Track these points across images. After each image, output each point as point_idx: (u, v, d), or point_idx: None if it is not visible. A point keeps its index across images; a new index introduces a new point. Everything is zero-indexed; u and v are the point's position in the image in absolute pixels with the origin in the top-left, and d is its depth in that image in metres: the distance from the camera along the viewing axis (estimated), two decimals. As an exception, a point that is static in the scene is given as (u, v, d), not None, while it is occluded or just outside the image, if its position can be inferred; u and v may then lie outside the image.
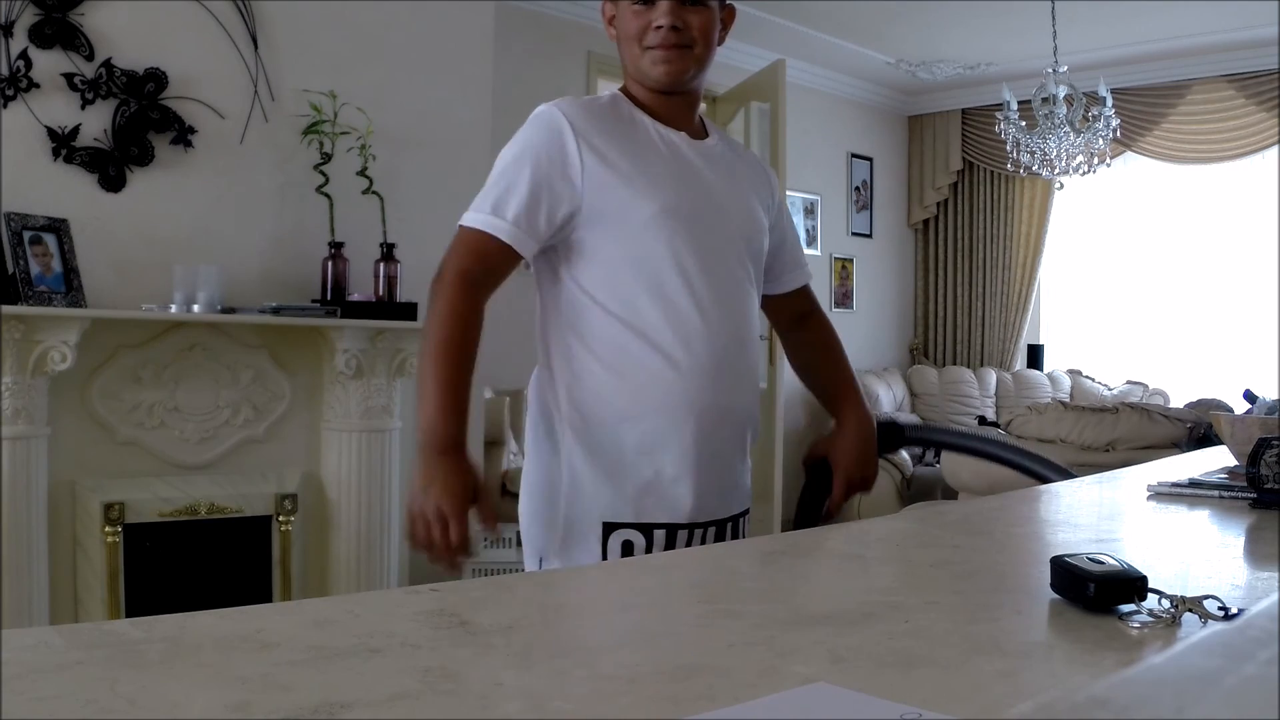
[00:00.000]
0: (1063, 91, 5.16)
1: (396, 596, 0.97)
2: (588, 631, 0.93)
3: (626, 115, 1.57)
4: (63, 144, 3.26)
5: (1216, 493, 1.53)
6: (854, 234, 7.28)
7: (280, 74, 3.67)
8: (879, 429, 1.76)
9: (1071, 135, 5.21)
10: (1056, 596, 0.91)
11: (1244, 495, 1.49)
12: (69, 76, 3.28)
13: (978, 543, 1.27)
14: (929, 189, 7.64)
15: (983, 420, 6.04)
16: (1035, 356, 7.20)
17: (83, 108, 3.30)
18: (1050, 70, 5.20)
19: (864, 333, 7.35)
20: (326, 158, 3.66)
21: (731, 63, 5.77)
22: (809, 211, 6.90)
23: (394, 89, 3.93)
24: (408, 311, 3.74)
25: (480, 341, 1.49)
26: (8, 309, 3.00)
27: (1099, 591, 0.86)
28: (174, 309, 3.32)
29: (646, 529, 1.51)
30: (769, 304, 1.76)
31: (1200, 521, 1.41)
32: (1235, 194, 6.47)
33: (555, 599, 1.03)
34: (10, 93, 3.18)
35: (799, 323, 1.82)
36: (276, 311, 3.47)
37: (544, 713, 0.65)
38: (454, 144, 4.12)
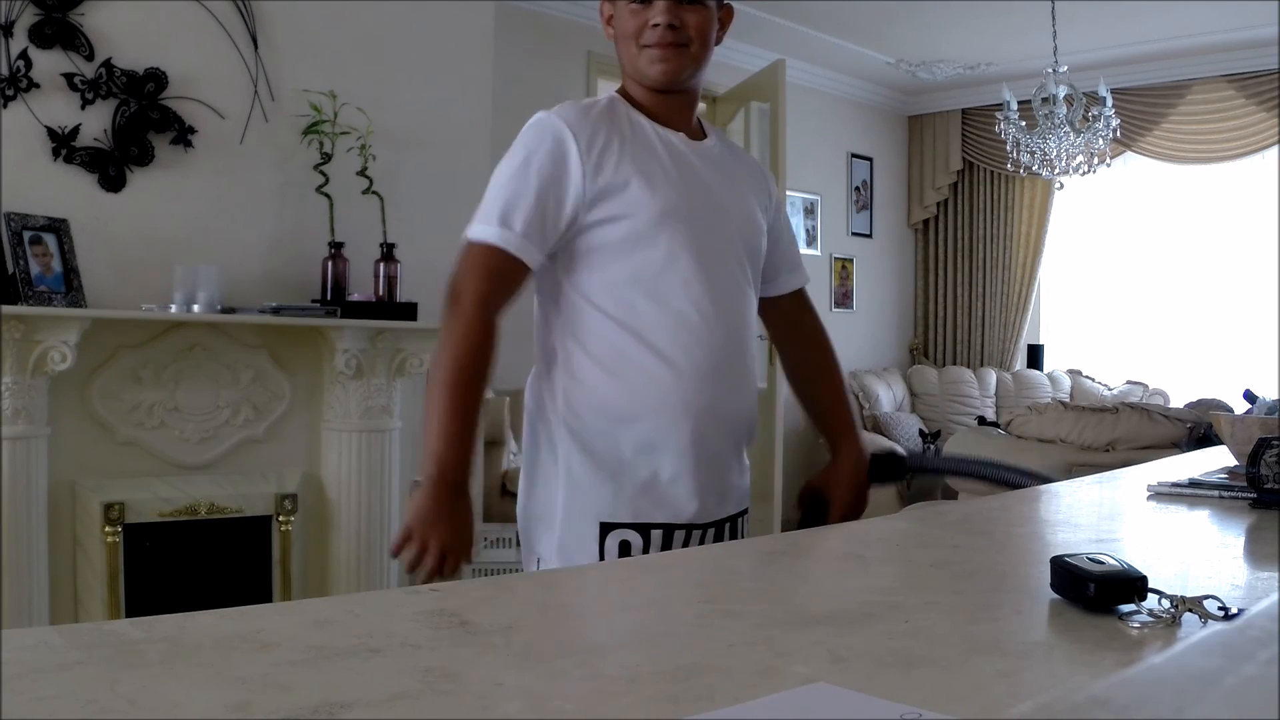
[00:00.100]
0: (1063, 91, 5.16)
1: (396, 596, 0.97)
2: (588, 631, 0.93)
3: (624, 118, 1.57)
4: (63, 144, 3.26)
5: (1216, 493, 1.53)
6: (854, 234, 7.28)
7: (280, 74, 3.67)
8: (881, 461, 1.76)
9: (1071, 135, 5.21)
10: (1056, 596, 0.91)
11: (1244, 495, 1.49)
12: (69, 76, 3.28)
13: (978, 543, 1.27)
14: (929, 189, 7.64)
15: (982, 420, 6.04)
16: (1035, 356, 7.20)
17: (83, 108, 3.30)
18: (1050, 70, 5.20)
19: (864, 333, 7.35)
20: (326, 158, 3.66)
21: (731, 63, 5.77)
22: (809, 211, 6.90)
23: (394, 89, 3.93)
24: (408, 311, 3.74)
25: (496, 359, 1.49)
26: (8, 309, 3.00)
27: (1099, 591, 0.86)
28: (174, 309, 3.32)
29: (644, 529, 1.51)
30: (763, 306, 1.75)
31: (1200, 521, 1.41)
32: (1235, 194, 6.47)
33: (555, 599, 1.03)
34: (10, 93, 3.18)
35: (793, 328, 1.80)
36: (276, 311, 3.47)
37: (544, 713, 0.65)
38: (454, 144, 4.12)
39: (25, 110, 3.21)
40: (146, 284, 3.37)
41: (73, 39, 3.28)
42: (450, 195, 4.04)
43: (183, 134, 3.46)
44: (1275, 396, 2.13)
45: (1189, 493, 1.56)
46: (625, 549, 1.50)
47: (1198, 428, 3.84)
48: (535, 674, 0.75)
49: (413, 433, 3.93)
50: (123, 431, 3.36)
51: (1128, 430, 3.85)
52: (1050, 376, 7.01)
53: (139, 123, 3.38)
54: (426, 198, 4.01)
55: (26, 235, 3.12)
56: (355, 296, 3.69)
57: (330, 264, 3.69)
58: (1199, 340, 6.61)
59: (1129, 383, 6.79)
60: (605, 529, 1.50)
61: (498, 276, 1.48)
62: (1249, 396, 2.26)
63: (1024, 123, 5.35)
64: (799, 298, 1.80)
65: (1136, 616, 0.85)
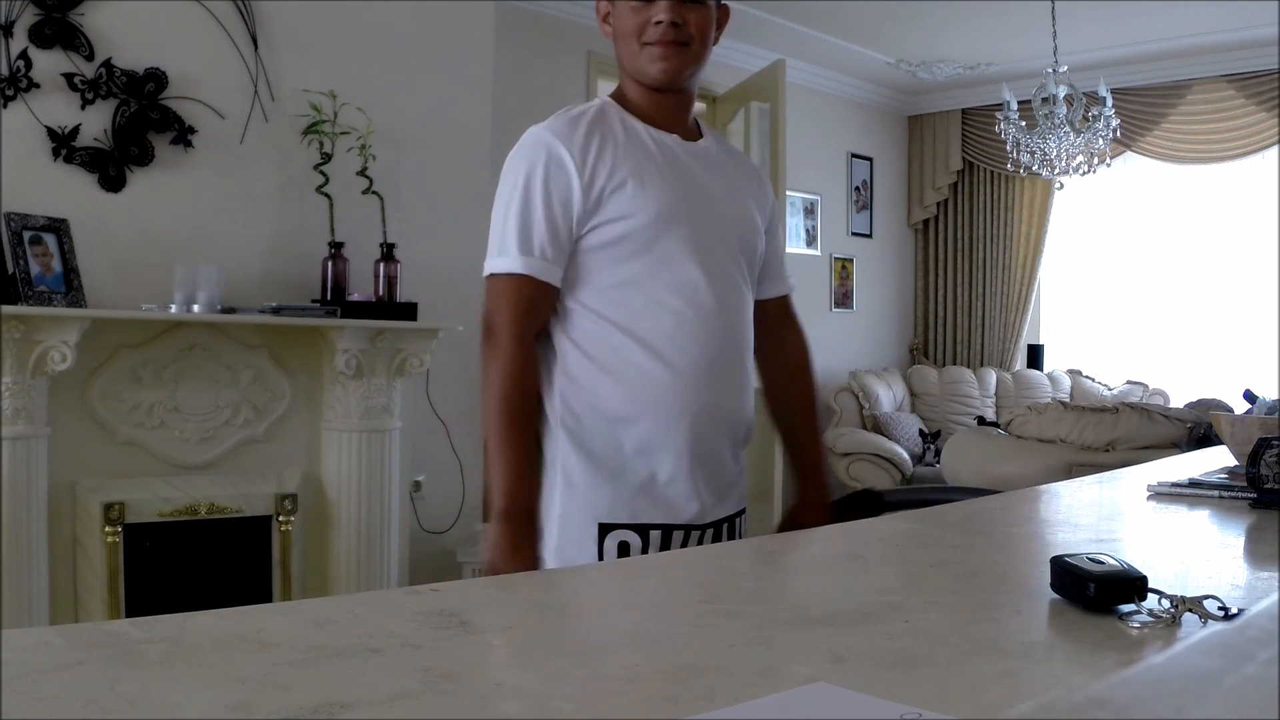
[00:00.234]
0: (1063, 91, 5.16)
1: (396, 596, 0.97)
2: (588, 631, 0.93)
3: (616, 122, 1.57)
4: (63, 144, 3.26)
5: (1216, 493, 1.53)
6: (854, 234, 7.28)
7: (280, 74, 3.67)
8: (859, 497, 1.78)
9: (1071, 135, 5.21)
10: (1056, 596, 0.91)
11: (1244, 495, 1.49)
12: (69, 76, 3.28)
13: (978, 543, 1.27)
14: (929, 189, 7.63)
15: (982, 420, 6.04)
16: (1035, 356, 7.20)
17: (83, 108, 3.30)
18: (1050, 70, 5.20)
19: (864, 333, 7.35)
20: (326, 158, 3.66)
21: (731, 63, 5.77)
22: (809, 211, 6.90)
23: (394, 89, 3.93)
24: (408, 311, 3.74)
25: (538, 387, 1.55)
26: (8, 309, 3.00)
27: (1099, 591, 0.86)
28: (174, 309, 3.32)
29: (643, 530, 1.51)
30: None
31: (1200, 521, 1.41)
32: (1235, 194, 6.47)
33: (555, 599, 1.03)
34: (10, 93, 3.18)
35: (775, 345, 1.76)
36: (276, 311, 3.47)
37: (544, 713, 0.65)
38: (454, 144, 4.12)
39: (25, 110, 3.21)
40: (146, 284, 3.37)
41: (73, 39, 3.28)
42: (450, 195, 4.05)
43: (183, 134, 3.46)
44: (1275, 396, 2.13)
45: (1189, 493, 1.56)
46: (624, 550, 1.51)
47: (1198, 428, 3.84)
48: (535, 674, 0.75)
49: (412, 432, 3.93)
50: (123, 431, 3.36)
51: (1128, 430, 3.85)
52: (1050, 376, 7.01)
53: (139, 123, 3.38)
54: (426, 198, 4.01)
55: (26, 235, 3.12)
56: (355, 296, 3.69)
57: (330, 264, 3.69)
58: (1199, 340, 6.61)
59: (1129, 383, 6.79)
60: (604, 530, 1.51)
61: (529, 306, 1.51)
62: (1249, 396, 2.26)
63: (1024, 123, 5.35)
64: (782, 307, 1.78)
65: (1136, 616, 0.85)
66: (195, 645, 0.78)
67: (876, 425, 6.47)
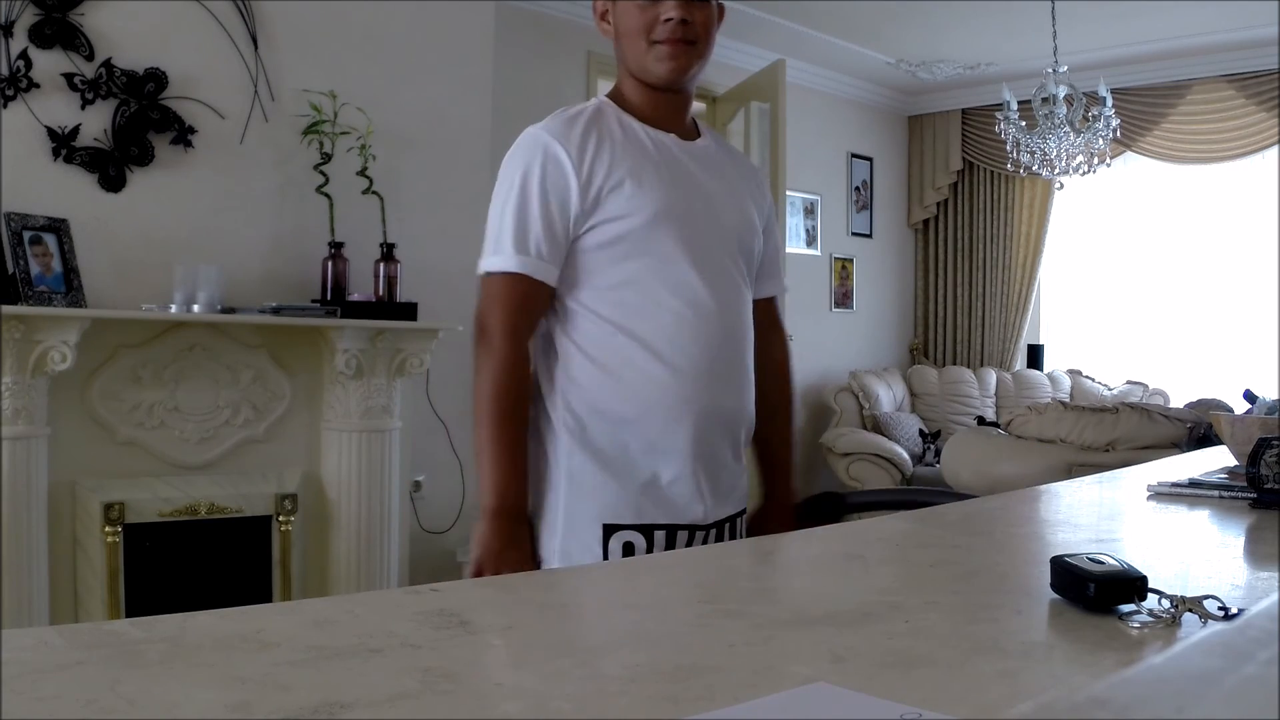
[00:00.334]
0: (1063, 91, 5.16)
1: (396, 596, 0.97)
2: (588, 631, 0.93)
3: (614, 122, 1.56)
4: (63, 144, 3.26)
5: (1216, 493, 1.53)
6: (854, 234, 7.28)
7: (280, 74, 3.67)
8: (819, 500, 1.78)
9: (1071, 135, 5.21)
10: (1056, 596, 0.91)
11: (1244, 495, 1.49)
12: (69, 76, 3.28)
13: (978, 543, 1.27)
14: (929, 189, 7.63)
15: (982, 420, 6.04)
16: (1035, 356, 7.20)
17: (83, 108, 3.30)
18: (1050, 70, 5.20)
19: (864, 333, 7.35)
20: (326, 158, 3.66)
21: (731, 63, 5.77)
22: (809, 211, 6.90)
23: (394, 89, 3.93)
24: (408, 311, 3.74)
25: (532, 386, 1.54)
26: (8, 309, 3.00)
27: (1099, 591, 0.86)
28: (174, 309, 3.32)
29: (647, 530, 1.51)
30: None
31: (1200, 521, 1.41)
32: (1235, 194, 6.47)
33: (555, 599, 1.03)
34: (10, 93, 3.18)
35: (761, 336, 1.73)
36: (276, 311, 3.47)
37: (544, 713, 0.65)
38: (454, 144, 4.12)
39: (25, 110, 3.21)
40: (146, 284, 3.37)
41: (73, 39, 3.28)
42: (450, 195, 4.05)
43: (183, 134, 3.46)
44: (1275, 396, 2.13)
45: (1189, 493, 1.56)
46: (628, 550, 1.50)
47: (1198, 428, 3.84)
48: (535, 674, 0.75)
49: (412, 432, 3.93)
50: (123, 431, 3.36)
51: (1128, 430, 3.85)
52: (1050, 376, 7.01)
53: (139, 123, 3.38)
54: (426, 198, 4.01)
55: (26, 235, 3.12)
56: (355, 296, 3.70)
57: (330, 264, 3.69)
58: (1199, 340, 6.61)
59: (1129, 383, 6.79)
60: (608, 530, 1.50)
61: (523, 304, 1.50)
62: (1249, 396, 2.26)
63: (1024, 123, 5.35)
64: (770, 308, 1.76)
65: (1136, 616, 0.85)
66: (195, 645, 0.78)
67: (876, 425, 6.47)
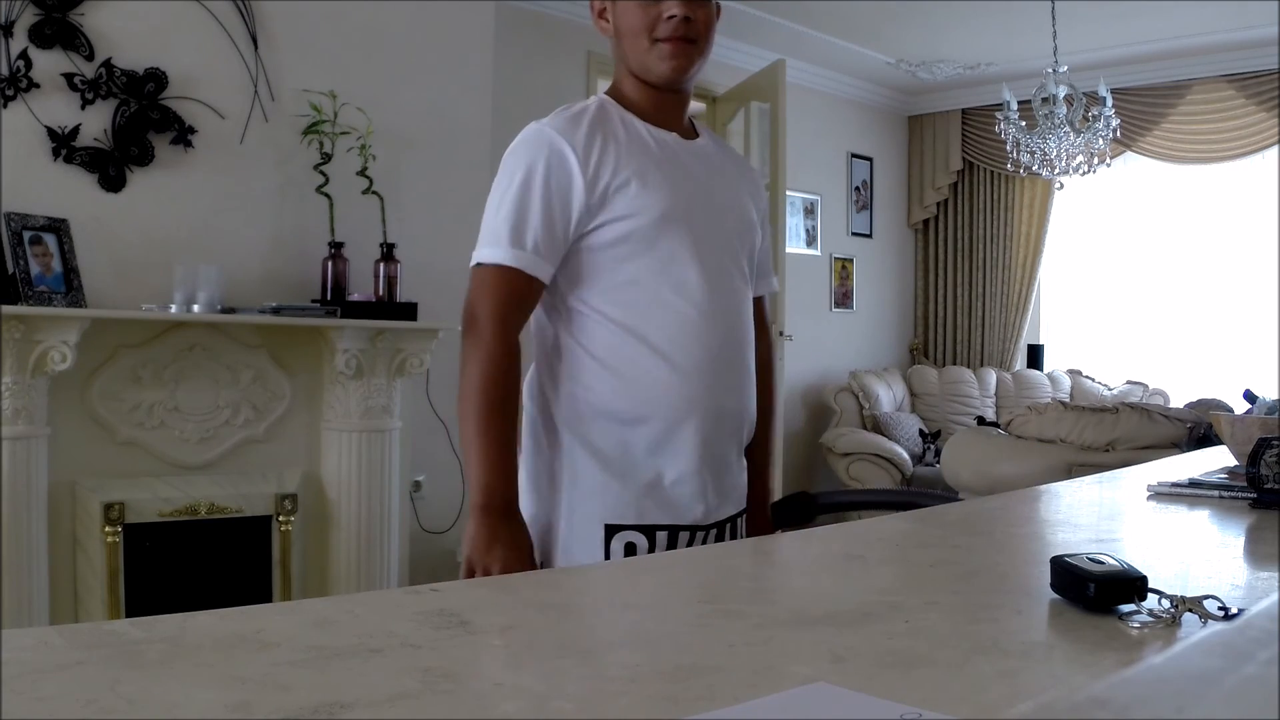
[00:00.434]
0: (1063, 91, 5.16)
1: (396, 596, 0.97)
2: (588, 631, 0.93)
3: (616, 120, 1.55)
4: (63, 144, 3.26)
5: (1216, 493, 1.53)
6: (854, 234, 7.28)
7: (280, 74, 3.67)
8: (794, 501, 1.77)
9: (1071, 135, 5.21)
10: (1056, 596, 0.91)
11: (1244, 495, 1.49)
12: (69, 76, 3.28)
13: (978, 543, 1.27)
14: (929, 189, 7.63)
15: (982, 420, 6.04)
16: (1035, 356, 7.20)
17: (83, 108, 3.30)
18: (1050, 70, 5.20)
19: (864, 333, 7.35)
20: (326, 158, 3.66)
21: (731, 63, 5.77)
22: (809, 211, 6.90)
23: (394, 89, 3.93)
24: (408, 311, 3.74)
25: (521, 380, 1.51)
26: (8, 309, 3.00)
27: (1099, 591, 0.86)
28: (174, 309, 3.32)
29: (649, 531, 1.51)
30: None
31: (1200, 521, 1.41)
32: (1235, 194, 6.47)
33: (555, 599, 1.03)
34: (10, 93, 3.18)
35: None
36: (276, 311, 3.47)
37: (544, 713, 0.65)
38: (454, 144, 4.12)
39: (25, 110, 3.21)
40: (146, 284, 3.38)
41: (73, 39, 3.28)
42: (450, 195, 4.05)
43: (183, 134, 3.46)
44: (1275, 396, 2.13)
45: (1189, 493, 1.56)
46: (630, 551, 1.50)
47: (1198, 428, 3.84)
48: (535, 674, 0.75)
49: (412, 432, 3.93)
50: (123, 431, 3.36)
51: (1128, 430, 3.85)
52: (1050, 376, 7.01)
53: (139, 123, 3.38)
54: (426, 198, 4.01)
55: (26, 235, 3.12)
56: (355, 296, 3.70)
57: (330, 264, 3.69)
58: (1199, 340, 6.61)
59: (1129, 383, 6.79)
60: (610, 531, 1.50)
61: (513, 297, 1.48)
62: (1249, 396, 2.26)
63: (1024, 123, 5.35)
64: (759, 308, 1.76)
65: (1136, 616, 0.85)
66: (195, 645, 0.78)
67: (876, 425, 6.47)
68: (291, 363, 3.69)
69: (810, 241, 6.91)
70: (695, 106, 1.66)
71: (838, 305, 7.15)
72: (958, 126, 7.48)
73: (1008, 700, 0.67)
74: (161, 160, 3.44)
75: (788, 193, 5.91)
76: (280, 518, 3.60)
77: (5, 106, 3.17)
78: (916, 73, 6.93)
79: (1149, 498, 1.57)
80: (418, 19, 4.02)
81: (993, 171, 7.34)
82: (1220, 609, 0.84)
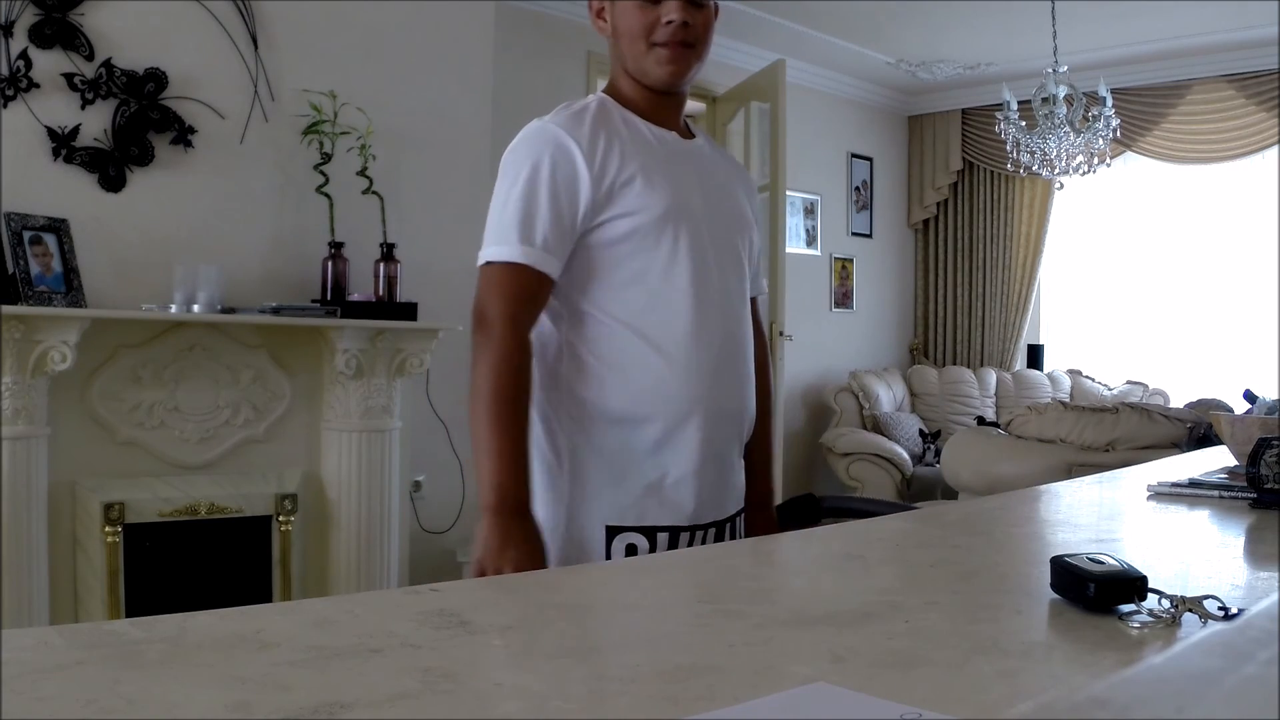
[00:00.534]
0: (1063, 91, 5.16)
1: (396, 596, 0.97)
2: (587, 631, 0.93)
3: (618, 118, 1.55)
4: (63, 144, 3.26)
5: (1216, 493, 1.53)
6: (854, 234, 7.28)
7: (280, 74, 3.67)
8: (798, 502, 1.77)
9: (1071, 135, 5.21)
10: (1056, 596, 0.91)
11: (1244, 495, 1.49)
12: (69, 76, 3.28)
13: (978, 543, 1.27)
14: (929, 189, 7.63)
15: (982, 420, 6.04)
16: (1035, 356, 7.20)
17: (83, 108, 3.30)
18: (1050, 70, 5.20)
19: (864, 333, 7.35)
20: (326, 158, 3.66)
21: (731, 63, 5.77)
22: (809, 211, 6.90)
23: (394, 89, 3.93)
24: (408, 311, 3.74)
25: (532, 378, 1.49)
26: (8, 309, 3.00)
27: (1099, 591, 0.86)
28: (174, 309, 3.32)
29: (650, 532, 1.51)
30: None
31: (1200, 521, 1.41)
32: (1235, 194, 6.47)
33: (555, 599, 1.03)
34: (10, 93, 3.18)
35: None
36: (276, 311, 3.47)
37: (544, 713, 0.65)
38: (454, 144, 4.12)
39: (25, 110, 3.21)
40: (146, 284, 3.37)
41: (73, 39, 3.28)
42: (450, 195, 4.05)
43: (183, 134, 3.46)
44: (1275, 396, 2.13)
45: (1189, 493, 1.56)
46: (631, 552, 1.50)
47: (1198, 428, 3.83)
48: (535, 674, 0.75)
49: (412, 432, 3.93)
50: (123, 431, 3.36)
51: (1128, 430, 3.85)
52: (1050, 376, 7.01)
53: (139, 123, 3.38)
54: (426, 198, 4.01)
55: (26, 235, 3.12)
56: (355, 296, 3.70)
57: (330, 264, 3.69)
58: (1199, 340, 6.61)
59: (1129, 383, 6.79)
60: (611, 532, 1.50)
61: (523, 294, 1.46)
62: (1249, 396, 2.26)
63: (1024, 123, 5.35)
64: (752, 308, 1.75)
65: (1136, 616, 0.85)
66: (195, 645, 0.78)
67: (876, 425, 6.47)
68: (291, 363, 3.69)
69: (810, 241, 6.91)
70: (695, 106, 1.67)
71: (838, 305, 7.15)
72: (958, 126, 7.48)
73: (1008, 700, 0.67)
74: (161, 160, 3.44)
75: (787, 193, 5.91)
76: (280, 518, 3.60)
77: (5, 106, 3.17)
78: (916, 73, 6.93)
79: (1149, 498, 1.57)
80: (418, 19, 4.02)
81: (993, 171, 7.34)
82: (1220, 609, 0.84)
